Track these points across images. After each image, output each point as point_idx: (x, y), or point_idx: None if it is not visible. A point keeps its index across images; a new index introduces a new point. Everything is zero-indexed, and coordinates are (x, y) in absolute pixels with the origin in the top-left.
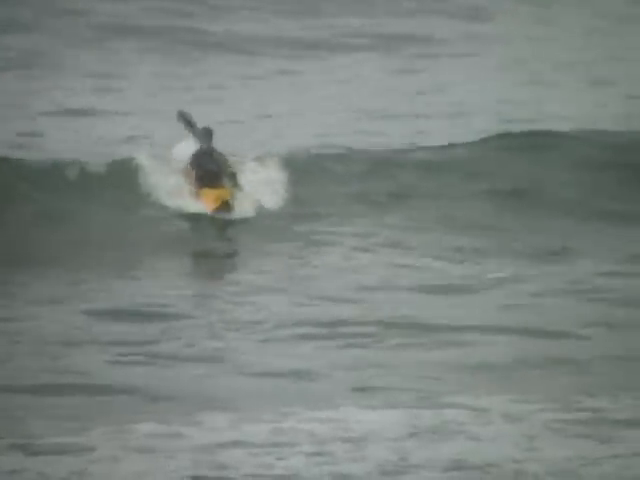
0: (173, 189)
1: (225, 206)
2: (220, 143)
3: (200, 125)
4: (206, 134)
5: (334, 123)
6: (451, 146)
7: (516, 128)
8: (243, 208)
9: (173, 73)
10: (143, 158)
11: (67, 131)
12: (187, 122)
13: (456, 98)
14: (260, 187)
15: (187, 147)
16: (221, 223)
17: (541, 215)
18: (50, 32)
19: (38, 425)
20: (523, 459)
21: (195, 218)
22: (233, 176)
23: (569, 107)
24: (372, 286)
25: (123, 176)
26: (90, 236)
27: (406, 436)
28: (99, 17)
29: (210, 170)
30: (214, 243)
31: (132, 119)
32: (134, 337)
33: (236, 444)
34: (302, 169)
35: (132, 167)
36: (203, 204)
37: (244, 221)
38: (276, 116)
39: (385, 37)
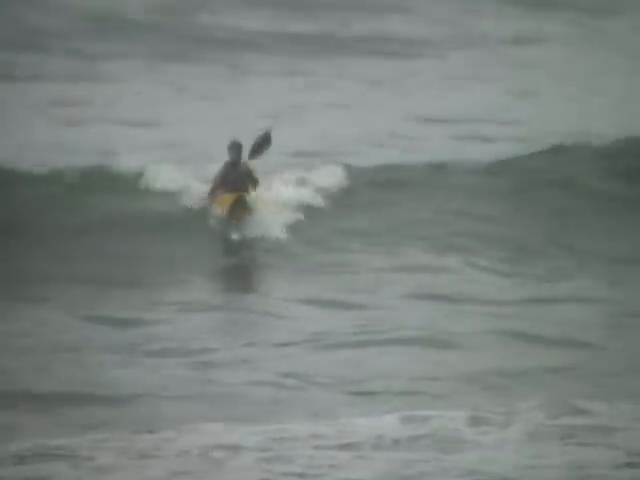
0: (195, 196)
1: (241, 205)
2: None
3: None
4: (235, 147)
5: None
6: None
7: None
8: (270, 226)
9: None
10: (158, 164)
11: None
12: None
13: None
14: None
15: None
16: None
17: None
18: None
19: (35, 433)
20: (529, 466)
21: (219, 228)
22: (256, 183)
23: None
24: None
25: (143, 184)
26: (113, 243)
27: (410, 443)
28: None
29: (232, 179)
30: (230, 252)
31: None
32: (134, 344)
33: (237, 450)
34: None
35: (147, 174)
36: (221, 209)
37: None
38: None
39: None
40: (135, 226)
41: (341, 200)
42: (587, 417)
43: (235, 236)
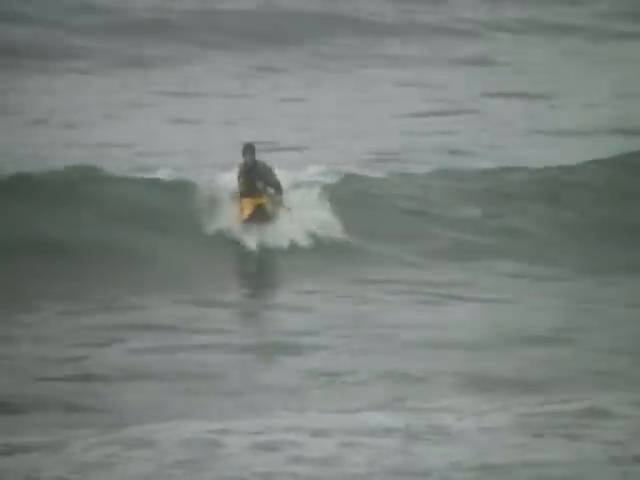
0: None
1: (260, 212)
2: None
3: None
4: (249, 149)
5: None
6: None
7: None
8: (290, 233)
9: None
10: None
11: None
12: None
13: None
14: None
15: None
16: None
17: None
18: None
19: (23, 428)
20: (520, 461)
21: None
22: (278, 186)
23: None
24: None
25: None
26: (135, 253)
27: (400, 434)
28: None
29: (248, 181)
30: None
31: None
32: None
33: (219, 450)
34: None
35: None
36: (240, 214)
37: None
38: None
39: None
40: (138, 224)
41: (349, 202)
42: (574, 410)
43: (251, 243)
